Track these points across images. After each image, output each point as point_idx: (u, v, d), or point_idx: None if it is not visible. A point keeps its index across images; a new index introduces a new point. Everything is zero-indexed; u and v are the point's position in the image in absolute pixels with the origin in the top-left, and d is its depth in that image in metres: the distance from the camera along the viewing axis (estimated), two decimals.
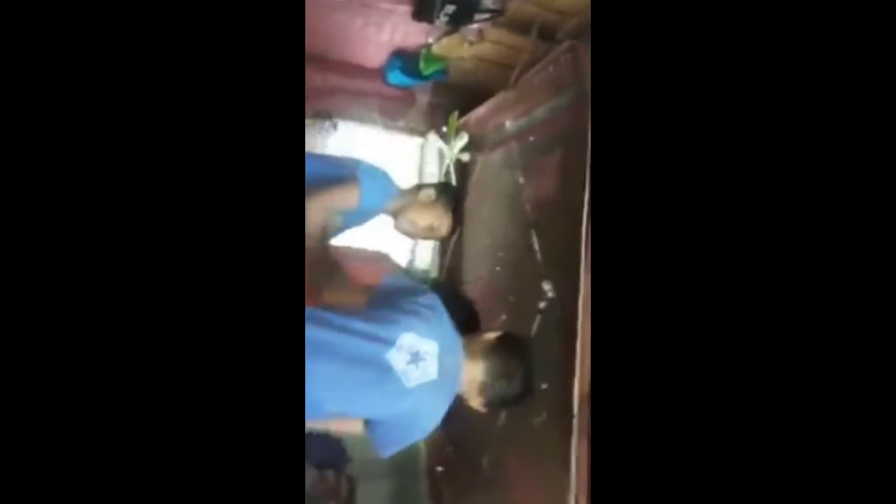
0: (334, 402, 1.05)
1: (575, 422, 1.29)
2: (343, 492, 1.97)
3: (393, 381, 1.07)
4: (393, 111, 2.44)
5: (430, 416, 1.16)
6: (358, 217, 1.56)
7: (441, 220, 1.60)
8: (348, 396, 1.06)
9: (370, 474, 2.10)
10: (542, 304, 1.60)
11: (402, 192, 1.63)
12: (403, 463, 2.37)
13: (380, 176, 1.56)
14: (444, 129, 2.39)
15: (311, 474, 1.92)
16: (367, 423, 1.14)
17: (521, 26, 1.87)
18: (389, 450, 1.14)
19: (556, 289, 1.56)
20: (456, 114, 2.35)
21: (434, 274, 2.63)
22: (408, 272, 2.65)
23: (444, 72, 2.25)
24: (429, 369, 1.11)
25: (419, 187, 1.66)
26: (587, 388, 1.29)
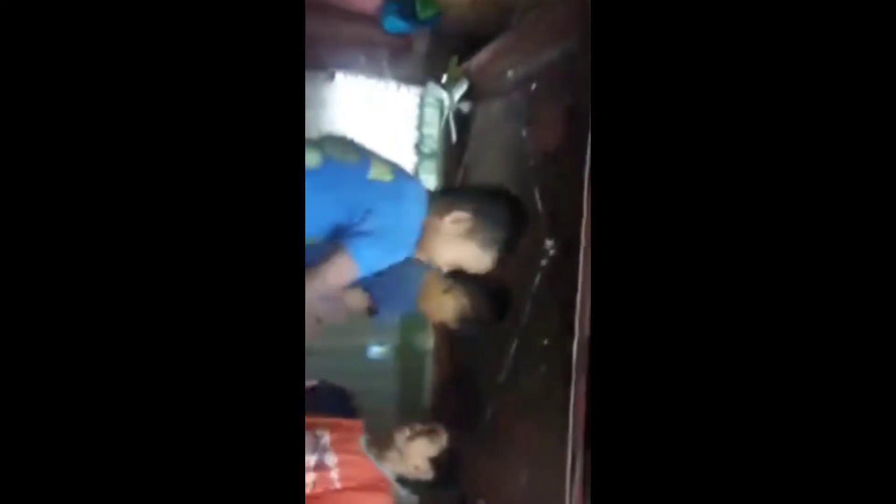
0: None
1: (573, 374, 1.31)
2: None
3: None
4: (391, 59, 2.34)
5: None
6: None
7: (475, 259, 1.17)
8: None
9: (377, 424, 2.16)
10: (543, 262, 1.58)
11: (431, 207, 1.14)
12: (409, 415, 2.44)
13: (384, 229, 1.08)
14: (444, 77, 2.29)
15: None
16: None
17: None
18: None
19: (557, 245, 1.54)
20: (455, 59, 2.25)
21: None
22: None
23: (441, 15, 2.13)
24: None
25: (449, 202, 1.16)
26: (586, 342, 1.30)
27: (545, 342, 1.54)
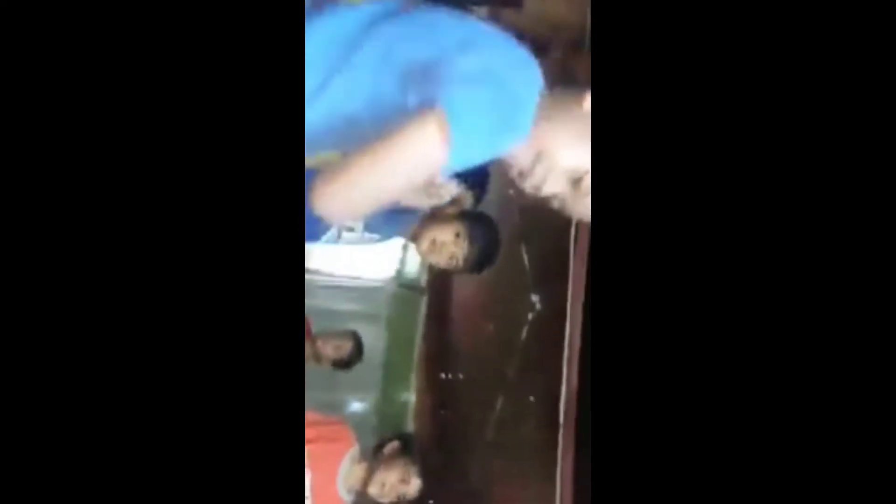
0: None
1: (560, 433, 1.28)
2: None
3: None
4: None
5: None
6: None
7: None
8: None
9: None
10: (529, 315, 1.58)
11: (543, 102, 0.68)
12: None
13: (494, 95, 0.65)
14: None
15: None
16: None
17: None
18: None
19: (543, 301, 1.55)
20: None
21: (423, 282, 2.60)
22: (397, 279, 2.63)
23: None
24: None
25: None
26: (574, 399, 1.28)
27: (531, 399, 1.52)
